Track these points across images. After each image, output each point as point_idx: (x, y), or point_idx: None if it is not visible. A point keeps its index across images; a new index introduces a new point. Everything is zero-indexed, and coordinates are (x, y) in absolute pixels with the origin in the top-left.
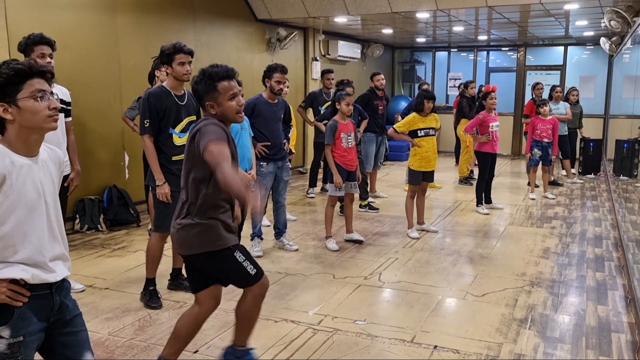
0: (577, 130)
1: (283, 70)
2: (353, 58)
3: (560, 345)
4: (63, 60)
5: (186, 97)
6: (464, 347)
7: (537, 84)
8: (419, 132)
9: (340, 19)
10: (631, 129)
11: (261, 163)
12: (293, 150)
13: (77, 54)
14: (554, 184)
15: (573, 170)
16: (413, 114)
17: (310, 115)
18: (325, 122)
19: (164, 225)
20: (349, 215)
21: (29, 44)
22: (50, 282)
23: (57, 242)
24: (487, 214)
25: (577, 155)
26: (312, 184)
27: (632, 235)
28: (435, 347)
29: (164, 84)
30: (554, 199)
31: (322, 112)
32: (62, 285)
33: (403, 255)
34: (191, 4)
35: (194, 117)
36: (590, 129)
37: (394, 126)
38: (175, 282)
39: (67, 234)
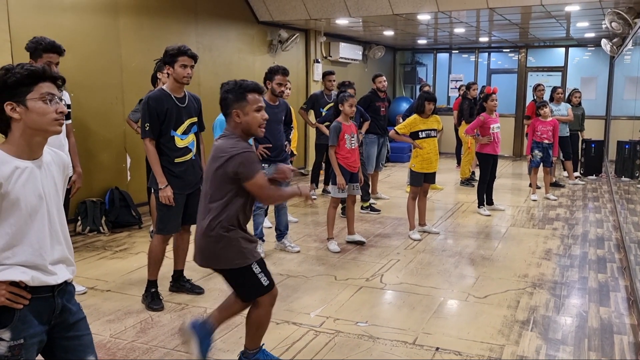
0: (579, 132)
1: (285, 72)
2: (354, 60)
3: (563, 347)
4: (65, 62)
5: (187, 99)
6: (466, 349)
7: (539, 85)
8: (420, 133)
9: (342, 21)
10: (633, 130)
11: (263, 165)
12: (295, 152)
13: (79, 56)
14: (556, 185)
15: (576, 174)
16: (414, 116)
17: (311, 117)
18: (327, 124)
19: (167, 228)
20: (351, 217)
21: (39, 49)
22: (51, 284)
23: (60, 245)
24: (489, 215)
25: (579, 157)
26: (314, 184)
27: (634, 236)
28: (437, 349)
29: (164, 86)
30: (555, 200)
31: (323, 114)
32: (65, 289)
33: (405, 256)
34: (193, 7)
35: (195, 119)
36: (592, 131)
37: (395, 128)
38: (177, 284)
39: (69, 236)
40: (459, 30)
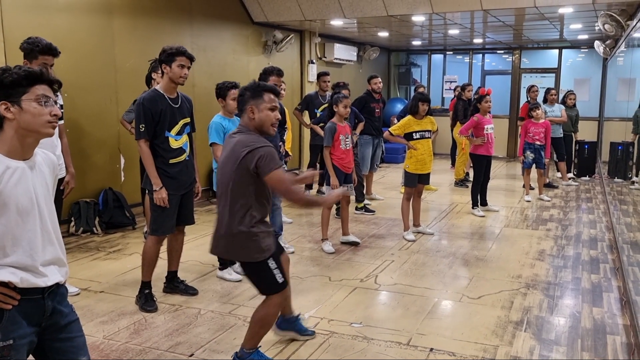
0: (573, 134)
1: (279, 73)
2: (349, 61)
3: (556, 348)
4: (59, 63)
5: (180, 99)
6: (460, 349)
7: (532, 86)
8: (414, 134)
9: (337, 22)
10: (625, 132)
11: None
12: (289, 153)
13: (73, 56)
14: (549, 186)
15: (569, 175)
16: (408, 117)
17: (306, 117)
18: (321, 124)
19: (161, 229)
20: (345, 218)
21: (35, 51)
22: (41, 286)
23: (53, 246)
24: (483, 216)
25: (573, 158)
26: (309, 186)
27: (626, 237)
28: (431, 349)
29: (158, 87)
30: (549, 201)
31: (318, 114)
32: (56, 291)
33: (399, 257)
34: (188, 7)
35: (188, 120)
36: (585, 132)
37: (390, 129)
38: (171, 285)
39: (62, 237)
40: (453, 31)
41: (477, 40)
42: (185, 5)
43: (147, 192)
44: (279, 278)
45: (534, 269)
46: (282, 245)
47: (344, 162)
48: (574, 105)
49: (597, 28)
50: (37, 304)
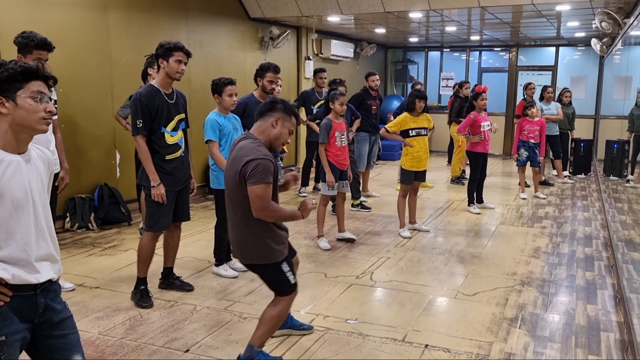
0: (569, 132)
1: (276, 70)
2: (346, 57)
3: (550, 344)
4: (54, 58)
5: (175, 95)
6: (454, 346)
7: (529, 84)
8: (410, 132)
9: (333, 18)
10: (621, 130)
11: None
12: (285, 150)
13: (68, 51)
14: (545, 183)
15: (565, 172)
16: (405, 114)
17: (302, 114)
18: (317, 121)
19: (157, 225)
20: (341, 214)
21: (30, 45)
22: (33, 283)
23: (46, 242)
24: (479, 213)
25: (569, 156)
26: (305, 183)
27: (621, 235)
28: (427, 346)
29: (153, 82)
30: (544, 198)
31: (314, 111)
32: (49, 288)
33: (395, 254)
34: (184, 2)
35: (183, 115)
36: (581, 130)
37: (386, 126)
38: (167, 282)
39: (57, 233)
40: (451, 28)
41: (474, 38)
42: (180, 1)
43: (143, 188)
44: (292, 279)
45: (529, 266)
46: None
47: (340, 159)
48: (570, 102)
49: (594, 26)
50: (30, 300)
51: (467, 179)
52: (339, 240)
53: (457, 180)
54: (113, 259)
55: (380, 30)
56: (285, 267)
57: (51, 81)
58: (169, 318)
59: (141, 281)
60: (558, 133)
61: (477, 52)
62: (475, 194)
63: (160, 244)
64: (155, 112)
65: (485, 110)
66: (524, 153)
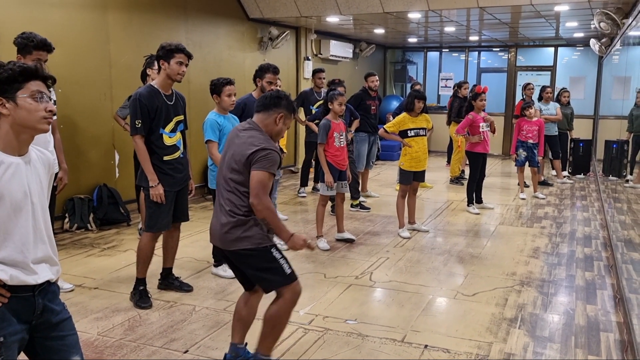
0: (568, 132)
1: (275, 71)
2: (345, 57)
3: (550, 345)
4: (53, 58)
5: (174, 96)
6: (454, 346)
7: (528, 84)
8: (409, 132)
9: (332, 19)
10: (620, 130)
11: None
12: (284, 150)
13: (67, 52)
14: (544, 184)
15: (564, 172)
16: (403, 114)
17: (301, 114)
18: (316, 121)
19: (157, 226)
20: (340, 215)
21: (29, 46)
22: (31, 284)
23: (44, 244)
24: (478, 213)
25: (568, 156)
26: (304, 183)
27: (620, 235)
28: (426, 346)
29: (153, 83)
30: (544, 198)
31: (313, 111)
32: (47, 289)
33: (394, 254)
34: (183, 3)
35: (181, 117)
36: (580, 130)
37: (384, 126)
38: (166, 282)
39: (56, 233)
40: (450, 29)
41: (473, 38)
42: (180, 1)
43: (142, 188)
44: (287, 269)
45: (529, 266)
46: (277, 242)
47: (338, 159)
48: (568, 103)
49: (592, 26)
50: (28, 301)
51: (467, 179)
52: (338, 240)
53: (456, 180)
54: (112, 260)
55: (379, 31)
56: (276, 254)
57: (50, 81)
58: (168, 319)
59: (140, 282)
60: (557, 133)
61: (476, 53)
62: (474, 194)
63: (159, 244)
64: (154, 112)
65: (484, 110)
66: (522, 153)
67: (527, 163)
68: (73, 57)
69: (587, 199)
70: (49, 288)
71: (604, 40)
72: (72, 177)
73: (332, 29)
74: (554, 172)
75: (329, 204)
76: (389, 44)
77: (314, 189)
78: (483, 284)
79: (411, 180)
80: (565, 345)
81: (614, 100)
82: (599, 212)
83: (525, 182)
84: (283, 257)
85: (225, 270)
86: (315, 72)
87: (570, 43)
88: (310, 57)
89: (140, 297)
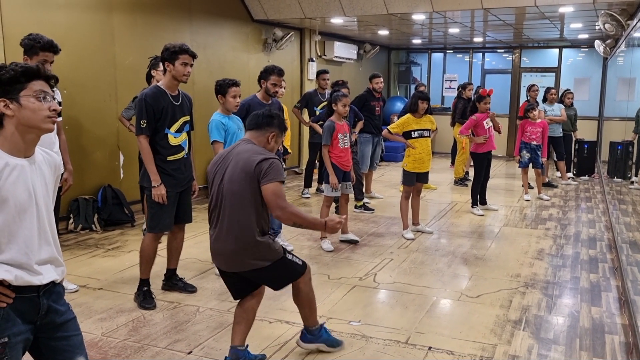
0: (572, 133)
1: (280, 73)
2: (349, 59)
3: (554, 347)
4: (59, 59)
5: (180, 97)
6: (458, 348)
7: (532, 85)
8: (412, 133)
9: (337, 20)
10: (625, 131)
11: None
12: (289, 150)
13: (72, 53)
14: (549, 185)
15: (569, 174)
16: (407, 115)
17: (305, 115)
18: (320, 122)
19: (159, 226)
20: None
21: (36, 47)
22: (36, 285)
23: (49, 245)
24: (482, 215)
25: (572, 157)
26: (308, 184)
27: (625, 236)
28: (430, 348)
29: (159, 83)
30: (548, 200)
31: (317, 112)
32: (52, 289)
33: (398, 256)
34: (187, 4)
35: (187, 118)
36: (585, 131)
37: (388, 127)
38: (170, 283)
39: (60, 234)
40: (454, 30)
41: (477, 39)
42: (184, 2)
43: (145, 189)
44: (298, 262)
45: (533, 268)
46: (281, 243)
47: (343, 161)
48: (572, 104)
49: (597, 27)
50: (32, 302)
51: (471, 181)
52: (342, 241)
53: (460, 181)
54: (116, 260)
55: (383, 32)
56: (289, 256)
57: (52, 80)
58: (172, 319)
59: (144, 282)
60: (561, 134)
61: (480, 54)
62: (478, 196)
63: (163, 245)
64: (159, 113)
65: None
66: (526, 155)
67: (530, 164)
68: (78, 58)
69: (591, 201)
70: (54, 289)
71: (608, 41)
72: (77, 177)
73: (336, 31)
74: (558, 174)
75: (333, 205)
76: (393, 45)
77: (318, 190)
78: (487, 285)
79: (414, 181)
80: (570, 347)
81: (619, 101)
82: (603, 213)
83: (529, 184)
84: (292, 254)
85: None
86: (320, 73)
87: (575, 44)
88: (314, 59)
89: (144, 298)
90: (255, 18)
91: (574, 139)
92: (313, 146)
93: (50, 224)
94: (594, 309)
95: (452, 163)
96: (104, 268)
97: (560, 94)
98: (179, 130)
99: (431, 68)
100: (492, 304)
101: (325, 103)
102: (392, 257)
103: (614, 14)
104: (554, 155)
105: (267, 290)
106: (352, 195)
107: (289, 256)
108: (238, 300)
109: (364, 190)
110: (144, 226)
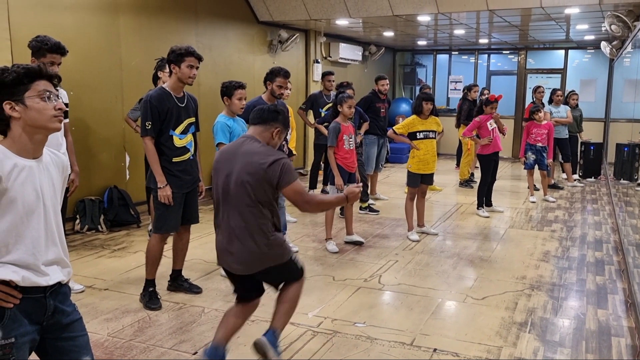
0: (578, 134)
1: (286, 75)
2: (354, 60)
3: (560, 349)
4: (65, 61)
5: (186, 98)
6: (463, 350)
7: (538, 87)
8: (417, 134)
9: (342, 22)
10: (632, 133)
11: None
12: (294, 152)
13: (79, 55)
14: (555, 187)
15: (575, 176)
16: (413, 116)
17: (310, 117)
18: (325, 124)
19: (165, 227)
20: (349, 217)
21: (43, 49)
22: (43, 285)
23: (56, 246)
24: (488, 217)
25: (578, 159)
26: (313, 185)
27: (632, 239)
28: (435, 350)
29: (165, 85)
30: (554, 202)
31: (322, 114)
32: (59, 290)
33: (403, 257)
34: (193, 6)
35: (193, 119)
36: (591, 133)
37: (393, 127)
38: (175, 284)
39: (67, 235)
40: (459, 31)
41: (483, 41)
42: (190, 4)
43: (151, 190)
44: (299, 263)
45: (539, 270)
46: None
47: (348, 162)
48: (577, 105)
49: (603, 29)
50: (39, 302)
51: (476, 182)
52: (347, 243)
53: (465, 183)
54: (122, 261)
55: (389, 34)
56: (294, 257)
57: (55, 79)
58: (177, 320)
59: (150, 283)
60: (567, 136)
61: (486, 55)
62: (484, 197)
63: (169, 246)
64: (164, 114)
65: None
66: (531, 156)
67: (536, 166)
68: (85, 60)
69: (597, 203)
70: (60, 289)
71: (614, 42)
72: (83, 178)
73: (341, 32)
74: (564, 176)
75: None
76: (398, 47)
77: (323, 191)
78: (493, 287)
79: (419, 182)
80: (575, 350)
81: (625, 103)
82: (610, 215)
83: (535, 185)
84: (296, 258)
85: None
86: (325, 74)
87: (581, 46)
88: (319, 60)
89: (150, 299)
90: (261, 20)
91: (579, 140)
92: (318, 147)
93: (57, 225)
94: (600, 312)
95: (458, 165)
96: (110, 269)
97: (565, 95)
98: (184, 132)
99: (436, 69)
100: (498, 306)
101: (330, 104)
102: (397, 258)
103: (620, 15)
104: (560, 156)
105: (272, 292)
106: None
107: (294, 257)
108: (229, 310)
109: (369, 191)
110: (150, 227)
